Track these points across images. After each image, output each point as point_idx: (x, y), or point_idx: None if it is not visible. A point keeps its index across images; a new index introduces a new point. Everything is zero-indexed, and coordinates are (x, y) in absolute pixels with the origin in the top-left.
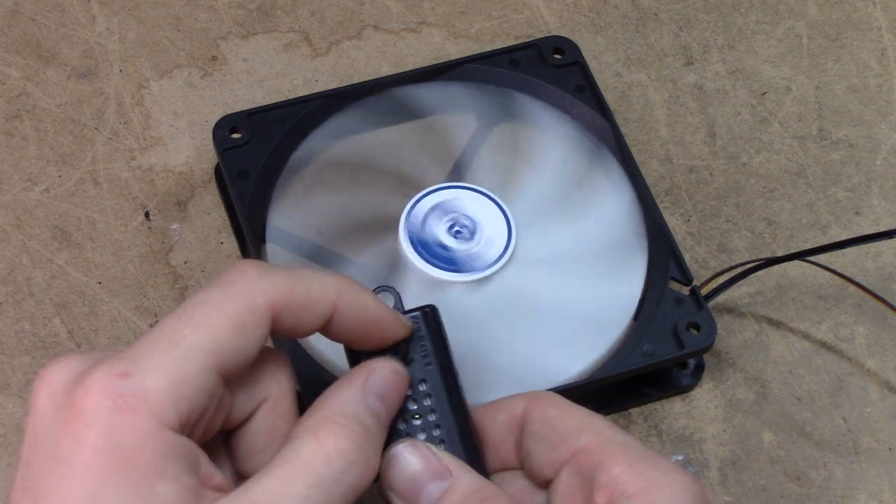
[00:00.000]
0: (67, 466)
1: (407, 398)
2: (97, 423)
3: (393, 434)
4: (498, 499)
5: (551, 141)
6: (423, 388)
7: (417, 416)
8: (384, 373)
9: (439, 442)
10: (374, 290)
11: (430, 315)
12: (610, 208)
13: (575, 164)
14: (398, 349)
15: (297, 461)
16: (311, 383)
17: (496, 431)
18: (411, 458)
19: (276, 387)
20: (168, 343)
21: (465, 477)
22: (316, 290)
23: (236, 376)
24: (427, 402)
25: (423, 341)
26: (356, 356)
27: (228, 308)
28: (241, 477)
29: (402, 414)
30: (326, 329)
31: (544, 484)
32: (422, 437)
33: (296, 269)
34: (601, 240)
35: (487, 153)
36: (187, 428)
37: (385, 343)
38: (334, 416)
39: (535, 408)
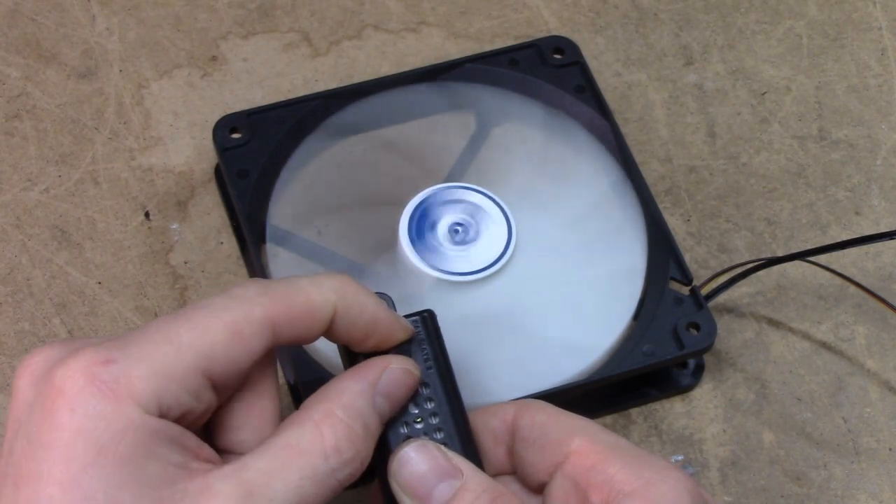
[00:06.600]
0: (48, 451)
1: (409, 401)
2: (79, 407)
3: (396, 438)
4: (508, 497)
5: (551, 141)
6: (425, 391)
7: (419, 420)
8: (397, 373)
9: (441, 445)
10: None
11: (428, 319)
12: (610, 208)
13: (575, 164)
14: (401, 352)
15: (295, 449)
16: (309, 380)
17: (488, 437)
18: (420, 458)
19: (259, 367)
20: (160, 338)
21: (475, 476)
22: (315, 297)
23: (227, 385)
24: (429, 406)
25: (424, 345)
26: (353, 355)
27: (226, 316)
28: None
29: (404, 417)
30: (328, 331)
31: (538, 488)
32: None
33: (294, 279)
34: (601, 239)
35: (487, 153)
36: (169, 418)
37: (384, 345)
38: (339, 411)
39: (525, 414)
